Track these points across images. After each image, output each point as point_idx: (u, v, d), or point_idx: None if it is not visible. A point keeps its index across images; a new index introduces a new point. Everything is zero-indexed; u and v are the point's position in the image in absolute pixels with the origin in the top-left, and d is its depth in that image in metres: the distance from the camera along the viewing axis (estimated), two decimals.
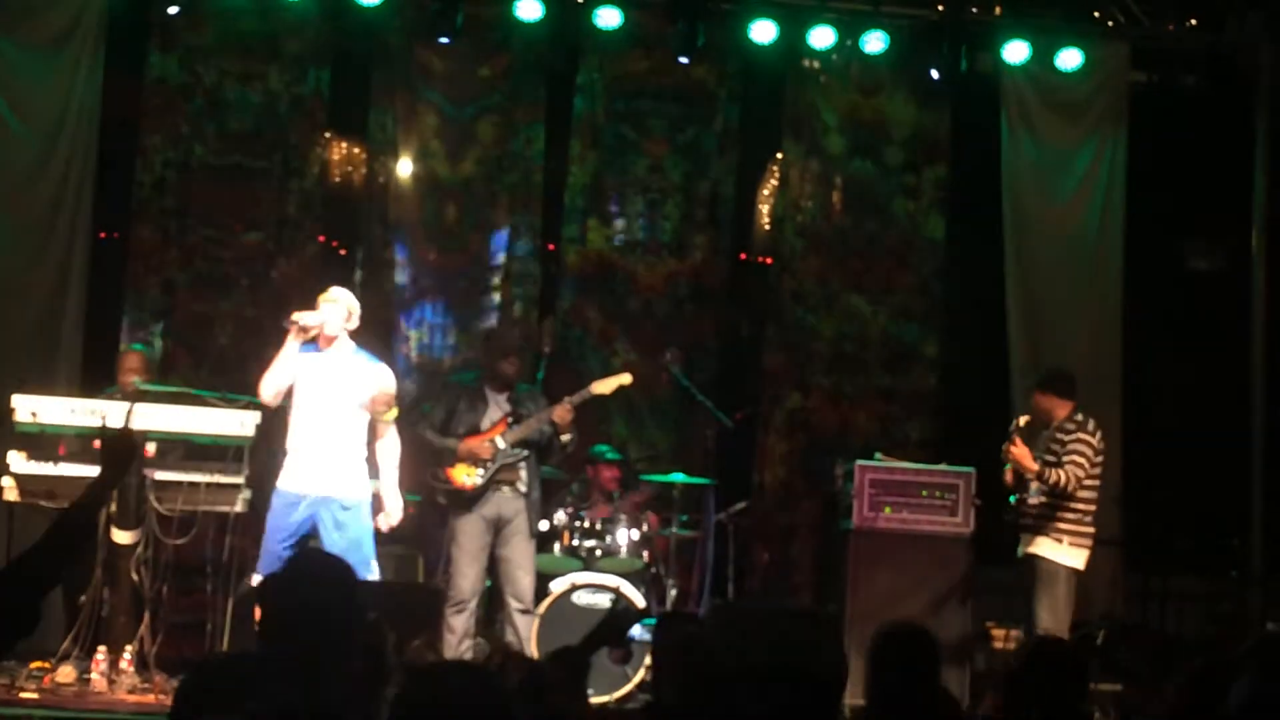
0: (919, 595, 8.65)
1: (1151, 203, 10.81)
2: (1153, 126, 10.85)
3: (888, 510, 8.90)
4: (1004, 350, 10.70)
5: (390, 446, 8.01)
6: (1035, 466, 8.19)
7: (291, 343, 7.84)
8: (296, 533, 7.75)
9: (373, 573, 7.80)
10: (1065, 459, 8.21)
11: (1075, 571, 8.32)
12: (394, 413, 7.98)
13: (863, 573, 8.83)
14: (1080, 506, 8.30)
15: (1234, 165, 10.80)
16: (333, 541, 7.66)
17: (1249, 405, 10.66)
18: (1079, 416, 8.39)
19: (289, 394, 7.90)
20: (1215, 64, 10.87)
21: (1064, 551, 8.27)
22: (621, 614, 5.54)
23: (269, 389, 7.86)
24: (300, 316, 7.86)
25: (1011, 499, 8.50)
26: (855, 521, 8.90)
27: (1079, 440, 8.26)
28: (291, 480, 7.81)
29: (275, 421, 7.99)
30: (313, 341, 7.90)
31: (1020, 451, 8.21)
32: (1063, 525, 8.28)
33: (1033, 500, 8.32)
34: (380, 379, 7.98)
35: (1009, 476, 8.44)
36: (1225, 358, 10.80)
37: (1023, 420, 8.48)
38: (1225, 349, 10.81)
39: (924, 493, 8.91)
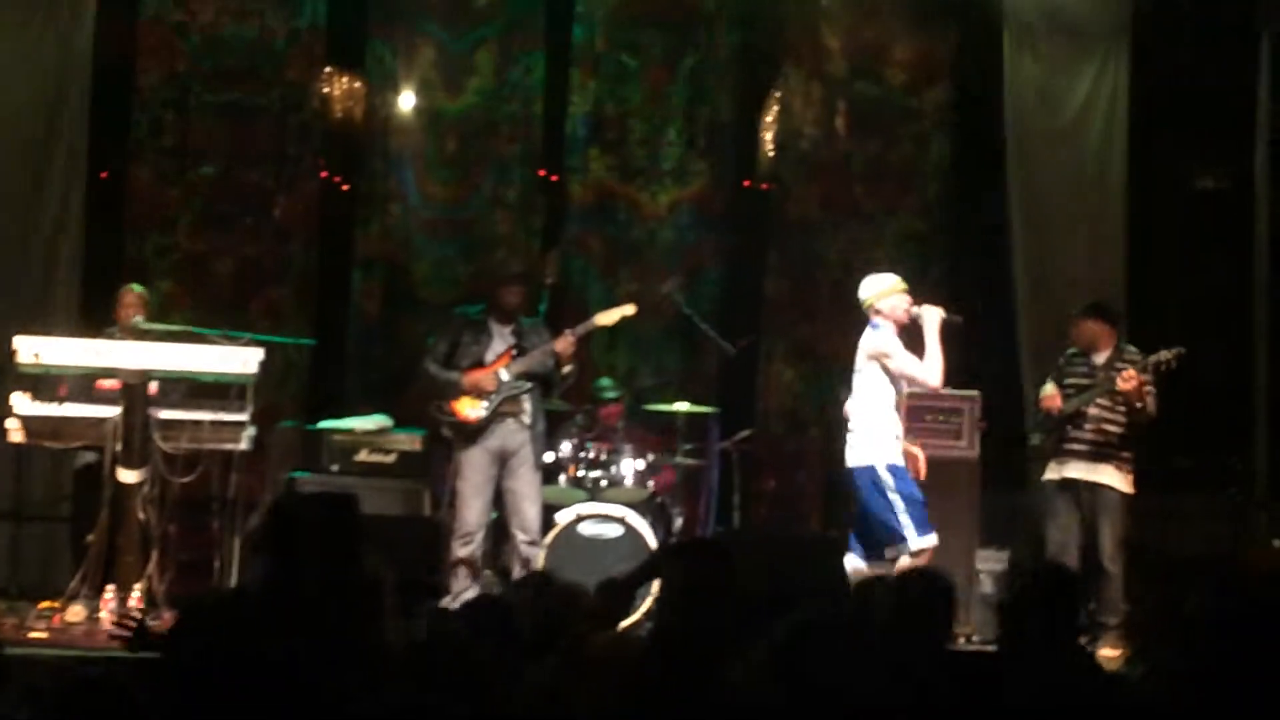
0: None
1: (1155, 121, 10.75)
2: (1156, 44, 10.77)
3: None
4: (1008, 272, 10.67)
5: None
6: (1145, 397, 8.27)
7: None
8: None
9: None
10: (1145, 391, 8.29)
11: (1131, 498, 8.49)
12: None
13: None
14: (1135, 435, 8.45)
15: (1237, 82, 10.72)
16: None
17: (1252, 325, 10.65)
18: (1132, 347, 8.47)
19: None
20: None
21: (1126, 480, 8.44)
22: (666, 550, 5.58)
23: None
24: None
25: (1033, 434, 8.60)
26: None
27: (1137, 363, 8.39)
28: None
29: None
30: None
31: (1139, 382, 8.22)
32: (1125, 454, 8.45)
33: (1094, 428, 8.41)
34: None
35: (1056, 402, 8.47)
36: (1229, 276, 10.78)
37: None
38: (1229, 268, 10.79)
39: (929, 417, 8.90)
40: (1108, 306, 8.82)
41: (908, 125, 10.93)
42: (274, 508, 4.53)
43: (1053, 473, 8.58)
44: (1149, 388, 8.30)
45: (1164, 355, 8.30)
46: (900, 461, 7.91)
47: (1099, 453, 8.41)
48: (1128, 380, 8.20)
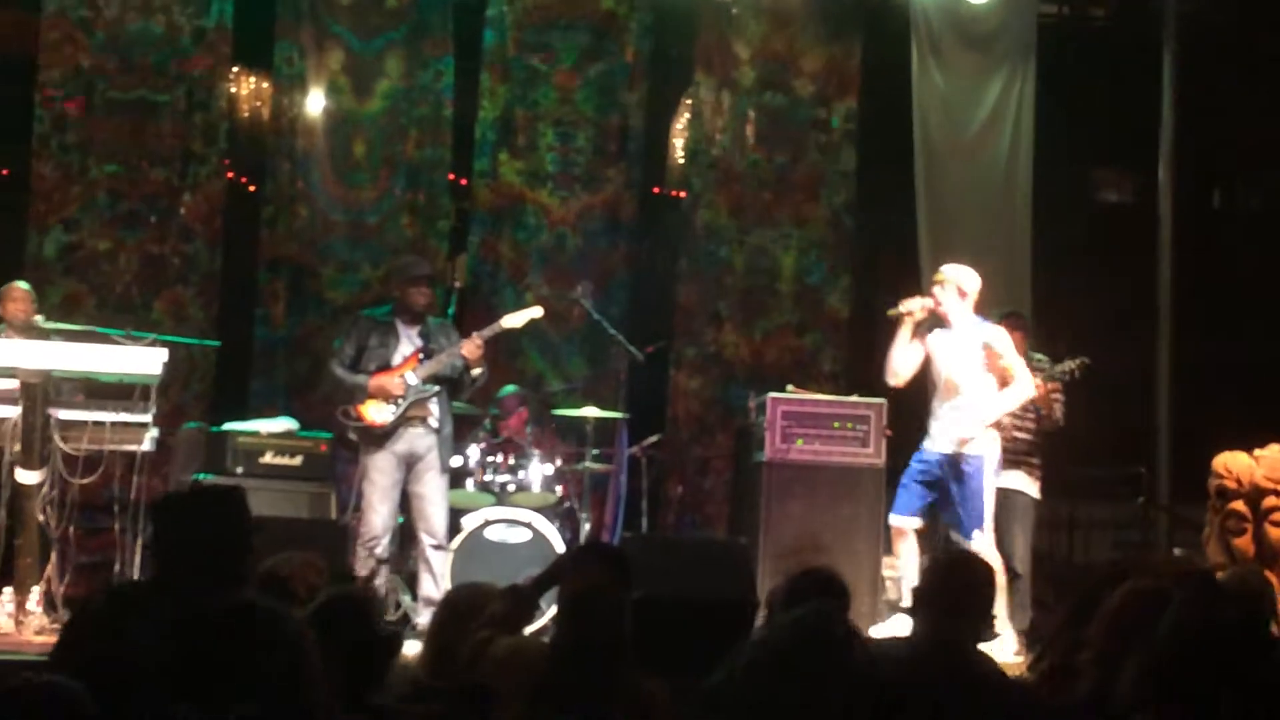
0: (831, 527, 8.70)
1: (1060, 135, 10.88)
2: (1062, 59, 10.90)
3: (800, 442, 8.93)
4: (915, 280, 10.74)
5: None
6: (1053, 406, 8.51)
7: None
8: None
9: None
10: (1052, 399, 8.55)
11: (1038, 503, 8.74)
12: None
13: (775, 504, 8.84)
14: (1043, 442, 8.66)
15: (1142, 97, 10.88)
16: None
17: (1155, 335, 10.80)
18: (1039, 355, 8.67)
19: None
20: None
21: (1033, 484, 8.66)
22: (574, 555, 5.55)
23: None
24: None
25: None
26: (768, 454, 8.92)
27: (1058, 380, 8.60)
28: None
29: None
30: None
31: (1042, 390, 8.42)
32: (1034, 460, 8.68)
33: (1006, 435, 8.47)
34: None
35: None
36: (1133, 287, 10.93)
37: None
38: (1133, 278, 10.94)
39: (835, 424, 8.93)
40: (1017, 315, 8.95)
41: (816, 135, 10.99)
42: (154, 507, 4.48)
43: None
44: (1056, 396, 8.48)
45: (1069, 365, 8.52)
46: None
47: (1009, 459, 8.51)
48: (1037, 389, 8.36)
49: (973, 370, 8.13)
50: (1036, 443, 8.65)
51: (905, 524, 8.07)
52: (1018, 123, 10.86)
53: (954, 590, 4.19)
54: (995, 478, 8.04)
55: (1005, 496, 8.51)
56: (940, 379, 8.21)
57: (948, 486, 8.02)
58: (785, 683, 3.14)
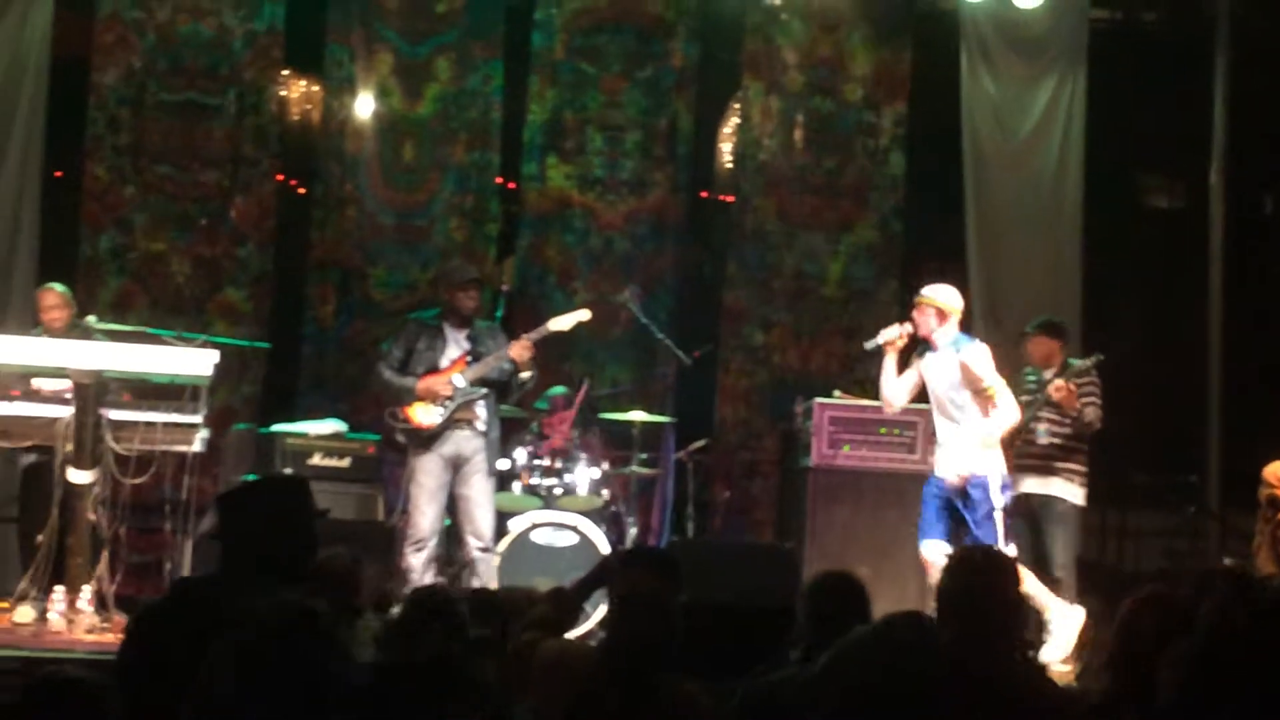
0: (876, 532, 8.70)
1: (1111, 140, 10.82)
2: (1113, 64, 10.84)
3: (846, 448, 8.94)
4: (963, 286, 10.70)
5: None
6: (1079, 405, 8.35)
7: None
8: None
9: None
10: (1084, 400, 8.39)
11: (1082, 510, 8.59)
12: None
13: (821, 510, 8.86)
14: (1086, 447, 8.54)
15: (1193, 102, 10.81)
16: None
17: (1206, 342, 10.73)
18: (1075, 361, 8.59)
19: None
20: (1175, 1, 10.86)
21: (1076, 491, 8.52)
22: (619, 559, 5.55)
23: None
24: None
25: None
26: (814, 459, 8.94)
27: (1093, 383, 8.45)
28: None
29: None
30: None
31: (1068, 391, 8.31)
32: (1074, 466, 8.53)
33: (1043, 441, 8.50)
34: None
35: None
36: (1184, 293, 10.86)
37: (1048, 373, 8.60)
38: (1184, 285, 10.87)
39: (882, 430, 8.94)
40: (1057, 323, 8.89)
41: (864, 140, 10.96)
42: (219, 500, 4.48)
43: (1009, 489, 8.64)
44: (1089, 398, 8.38)
45: (1085, 363, 8.43)
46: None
47: (1048, 466, 8.48)
48: (1058, 390, 8.30)
49: (960, 392, 7.98)
50: (1074, 448, 8.52)
51: (934, 554, 7.87)
52: (1068, 128, 10.81)
53: (974, 591, 4.12)
54: (1003, 495, 7.86)
55: (1043, 503, 8.51)
56: (934, 402, 8.13)
57: (960, 511, 7.96)
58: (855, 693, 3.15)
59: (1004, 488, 7.90)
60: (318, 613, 2.94)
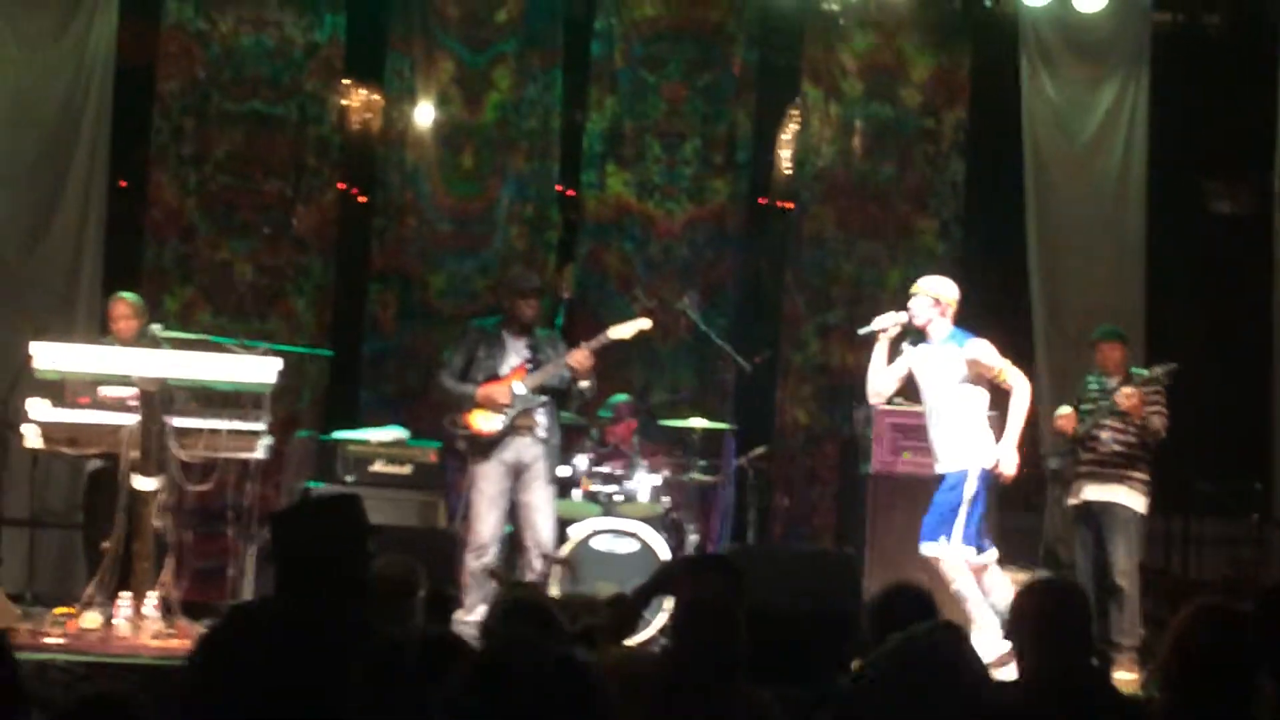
0: None
1: (1174, 144, 10.74)
2: (1175, 67, 10.77)
3: (907, 455, 8.91)
4: (1024, 292, 10.67)
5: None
6: (1145, 413, 8.32)
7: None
8: None
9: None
10: (1150, 409, 8.35)
11: (1145, 518, 8.52)
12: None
13: (881, 516, 8.84)
14: (1149, 455, 8.48)
15: (1257, 106, 10.72)
16: None
17: (1270, 348, 10.64)
18: (1141, 369, 8.57)
19: None
20: (1238, 3, 10.79)
21: (1139, 499, 8.45)
22: (678, 564, 5.56)
23: None
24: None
25: (1050, 457, 8.62)
26: (874, 466, 8.92)
27: (1159, 391, 8.41)
28: None
29: None
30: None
31: (1138, 399, 8.26)
32: (1137, 474, 8.46)
33: (1108, 449, 8.45)
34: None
35: (1068, 424, 8.49)
36: (1248, 300, 10.77)
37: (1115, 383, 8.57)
38: (1248, 291, 10.78)
39: None
40: (1114, 333, 8.84)
41: (924, 146, 10.93)
42: (272, 520, 4.49)
43: (1073, 497, 8.62)
44: (1154, 407, 8.33)
45: (1157, 371, 8.36)
46: None
47: (1111, 473, 8.44)
48: (1128, 398, 8.25)
49: (951, 387, 7.94)
50: (1138, 456, 8.46)
51: (931, 553, 7.83)
52: (1130, 132, 10.75)
53: (1050, 617, 4.12)
54: (979, 488, 7.77)
55: (1104, 509, 8.46)
56: (922, 396, 8.09)
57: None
58: (896, 706, 3.14)
59: (982, 482, 7.80)
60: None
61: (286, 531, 4.21)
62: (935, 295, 8.02)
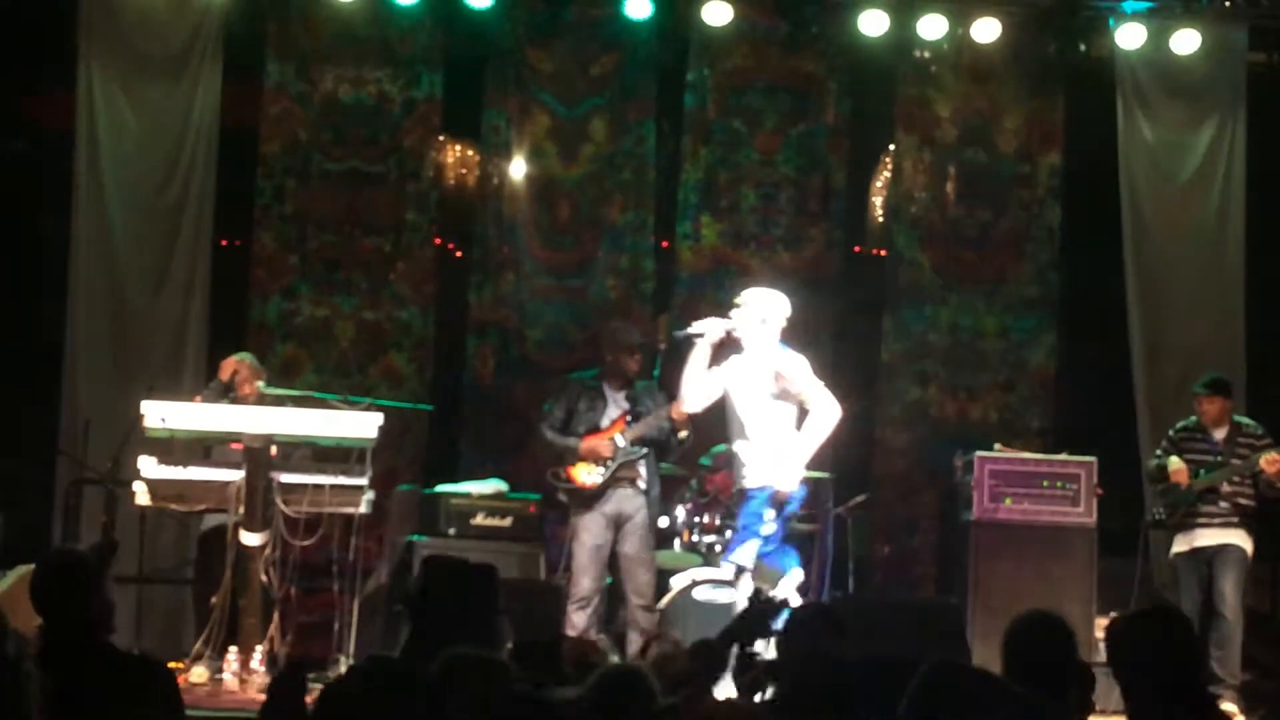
0: (1041, 586, 8.61)
1: (1271, 185, 10.64)
2: (1271, 106, 10.68)
3: (1008, 501, 8.88)
4: (1122, 337, 10.59)
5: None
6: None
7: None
8: None
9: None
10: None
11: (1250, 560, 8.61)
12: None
13: (984, 564, 8.81)
14: (1260, 506, 8.56)
15: None
16: None
17: None
18: (1247, 421, 8.68)
19: None
20: None
21: (1249, 540, 8.52)
22: (761, 607, 5.56)
23: None
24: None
25: (1159, 508, 8.58)
26: (975, 513, 8.89)
27: (1271, 443, 8.50)
28: None
29: None
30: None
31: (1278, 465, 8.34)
32: (1250, 518, 8.52)
33: (1227, 503, 8.50)
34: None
35: (1183, 478, 8.45)
36: None
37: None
38: None
39: (1045, 483, 8.87)
40: (1226, 381, 8.85)
41: (1019, 191, 10.89)
42: (425, 570, 4.54)
43: (1181, 544, 8.57)
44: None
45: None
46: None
47: (1230, 523, 8.42)
48: (1272, 463, 8.22)
49: (761, 403, 7.85)
50: (1257, 509, 8.55)
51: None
52: (1229, 173, 10.66)
53: (1157, 645, 4.06)
54: (781, 513, 7.78)
55: (1218, 551, 8.46)
56: (735, 409, 7.96)
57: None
58: None
59: (789, 505, 7.81)
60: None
61: (439, 586, 4.27)
62: (760, 307, 7.96)
